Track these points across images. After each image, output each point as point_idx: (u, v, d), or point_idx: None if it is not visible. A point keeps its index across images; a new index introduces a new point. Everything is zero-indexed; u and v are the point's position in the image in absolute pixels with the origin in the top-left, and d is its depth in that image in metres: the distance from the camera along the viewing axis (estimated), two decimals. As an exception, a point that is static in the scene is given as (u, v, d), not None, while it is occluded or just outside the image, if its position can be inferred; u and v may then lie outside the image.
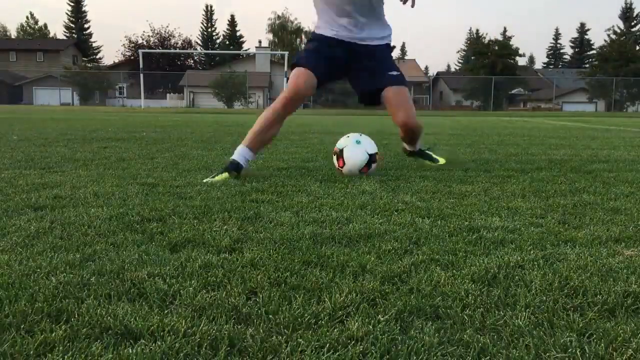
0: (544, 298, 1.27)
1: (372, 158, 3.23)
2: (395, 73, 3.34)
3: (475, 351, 1.02)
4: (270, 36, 67.01)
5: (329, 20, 3.27)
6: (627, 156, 4.53)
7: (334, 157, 3.28)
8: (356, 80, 3.41)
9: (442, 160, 3.85)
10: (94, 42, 79.00)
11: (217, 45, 69.92)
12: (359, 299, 1.25)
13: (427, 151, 3.95)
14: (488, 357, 1.01)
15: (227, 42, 69.51)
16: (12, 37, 73.00)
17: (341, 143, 3.27)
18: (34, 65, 58.32)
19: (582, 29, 78.77)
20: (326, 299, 1.24)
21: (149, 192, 2.59)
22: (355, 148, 3.21)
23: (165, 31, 61.97)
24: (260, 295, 1.27)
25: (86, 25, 71.68)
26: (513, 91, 51.03)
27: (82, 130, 7.30)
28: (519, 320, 1.15)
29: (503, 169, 3.53)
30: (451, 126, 10.50)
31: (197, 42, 69.60)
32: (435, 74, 70.19)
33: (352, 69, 3.34)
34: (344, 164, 3.19)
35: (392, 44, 3.44)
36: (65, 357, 0.98)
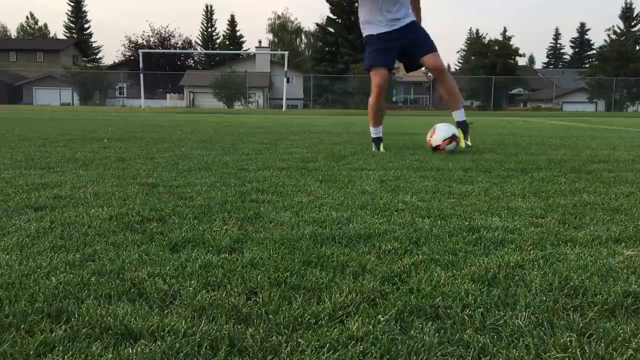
0: (544, 298, 1.27)
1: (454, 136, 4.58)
2: (429, 41, 4.80)
3: (475, 351, 1.02)
4: (270, 36, 67.15)
5: (375, 22, 4.73)
6: (627, 156, 4.53)
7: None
8: (405, 55, 4.86)
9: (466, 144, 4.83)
10: (94, 42, 78.99)
11: (217, 45, 69.89)
12: (359, 299, 1.25)
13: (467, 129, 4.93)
14: (488, 357, 1.01)
15: (227, 42, 69.47)
16: (12, 37, 73.00)
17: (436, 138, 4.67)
18: (34, 65, 58.31)
19: (582, 29, 78.73)
20: (326, 299, 1.24)
21: (149, 192, 2.59)
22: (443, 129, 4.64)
23: (165, 31, 61.94)
24: (260, 295, 1.27)
25: (86, 25, 71.67)
26: (513, 91, 51.04)
27: (82, 130, 7.30)
28: (519, 320, 1.15)
29: (503, 169, 3.53)
30: (451, 126, 10.49)
31: (197, 42, 69.59)
32: (435, 74, 70.00)
33: (403, 46, 4.77)
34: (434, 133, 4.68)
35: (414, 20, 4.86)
36: (65, 357, 0.98)
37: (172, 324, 1.10)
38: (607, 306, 1.23)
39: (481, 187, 2.82)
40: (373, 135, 4.98)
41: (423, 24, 4.94)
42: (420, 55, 4.70)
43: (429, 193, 2.63)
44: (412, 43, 4.70)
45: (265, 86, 49.31)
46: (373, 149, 4.83)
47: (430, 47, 4.73)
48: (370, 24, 4.69)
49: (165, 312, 1.18)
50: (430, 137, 4.63)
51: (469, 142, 4.79)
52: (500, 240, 1.78)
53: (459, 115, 4.81)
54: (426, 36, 4.80)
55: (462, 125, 4.78)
